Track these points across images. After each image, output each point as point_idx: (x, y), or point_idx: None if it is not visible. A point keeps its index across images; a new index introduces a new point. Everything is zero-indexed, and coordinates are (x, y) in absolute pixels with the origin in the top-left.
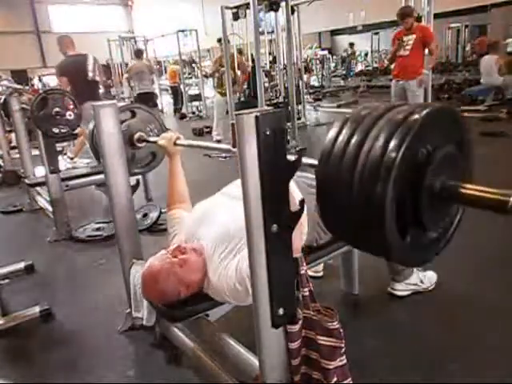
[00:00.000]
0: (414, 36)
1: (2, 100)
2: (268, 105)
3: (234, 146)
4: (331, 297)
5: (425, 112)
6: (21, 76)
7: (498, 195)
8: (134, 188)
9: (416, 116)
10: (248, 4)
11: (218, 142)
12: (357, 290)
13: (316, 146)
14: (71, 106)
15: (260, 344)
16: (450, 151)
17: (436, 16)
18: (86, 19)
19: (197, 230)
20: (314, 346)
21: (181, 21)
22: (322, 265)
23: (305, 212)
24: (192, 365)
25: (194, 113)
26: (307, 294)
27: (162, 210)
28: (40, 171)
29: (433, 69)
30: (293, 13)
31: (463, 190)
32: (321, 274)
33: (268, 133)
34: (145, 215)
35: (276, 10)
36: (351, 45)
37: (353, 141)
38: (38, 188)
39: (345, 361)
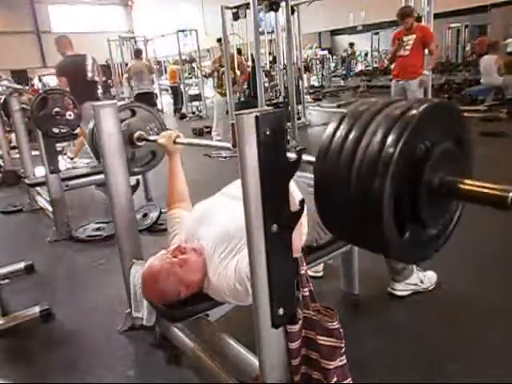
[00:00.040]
0: (414, 36)
1: (2, 100)
2: (268, 105)
3: (234, 146)
4: (331, 297)
5: (423, 107)
6: (21, 76)
7: (498, 191)
8: (134, 188)
9: (414, 111)
10: (248, 4)
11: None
12: (357, 289)
13: (316, 146)
14: (71, 106)
15: (260, 344)
16: (448, 147)
17: (436, 16)
18: (86, 19)
19: (197, 230)
20: (314, 345)
21: (181, 21)
22: (322, 265)
23: (305, 212)
24: (192, 365)
25: (194, 113)
26: (307, 294)
27: (162, 210)
28: (40, 171)
29: (433, 69)
30: (293, 13)
31: (462, 186)
32: (321, 274)
33: (268, 133)
34: (145, 215)
35: (276, 10)
36: (351, 45)
37: (350, 136)
38: (38, 188)
39: (345, 361)
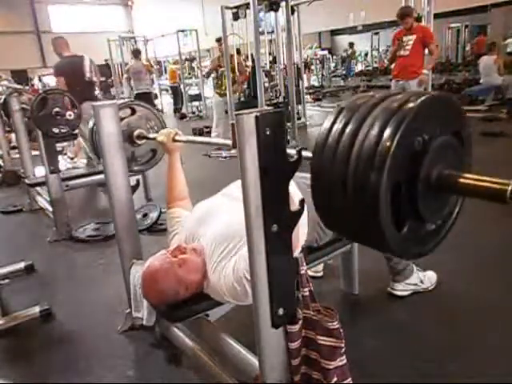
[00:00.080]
0: (413, 36)
1: (2, 100)
2: (268, 105)
3: (234, 146)
4: (331, 297)
5: (420, 100)
6: (21, 76)
7: (496, 184)
8: (134, 188)
9: (411, 104)
10: (248, 4)
11: None
12: (357, 290)
13: None
14: (71, 106)
15: (260, 344)
16: (447, 140)
17: (436, 16)
18: (86, 19)
19: (197, 230)
20: (314, 345)
21: (181, 21)
22: (322, 265)
23: (305, 212)
24: (192, 365)
25: (193, 113)
26: (307, 293)
27: (162, 210)
28: (40, 171)
29: (433, 69)
30: (293, 13)
31: (461, 180)
32: (321, 274)
33: (268, 133)
34: (145, 215)
35: (276, 10)
36: (351, 45)
37: (347, 130)
38: (38, 188)
39: (345, 361)
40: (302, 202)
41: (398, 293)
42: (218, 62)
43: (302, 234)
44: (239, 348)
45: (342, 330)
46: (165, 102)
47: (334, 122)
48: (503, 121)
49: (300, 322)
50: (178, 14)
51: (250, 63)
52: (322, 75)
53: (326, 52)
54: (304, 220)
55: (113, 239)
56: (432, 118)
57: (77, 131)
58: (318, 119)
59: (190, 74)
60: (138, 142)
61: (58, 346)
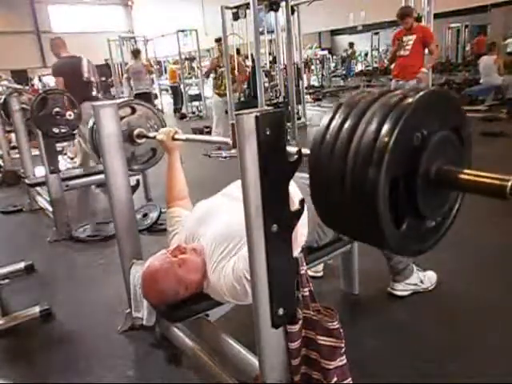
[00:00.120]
0: (413, 36)
1: (2, 100)
2: (268, 105)
3: (234, 146)
4: (331, 297)
5: (419, 95)
6: (21, 76)
7: (496, 180)
8: (134, 188)
9: (410, 99)
10: (248, 4)
11: None
12: (357, 289)
13: None
14: (71, 106)
15: (260, 344)
16: (446, 136)
17: (436, 16)
18: (86, 19)
19: (197, 230)
20: (314, 345)
21: (181, 21)
22: (322, 265)
23: (305, 212)
24: (192, 365)
25: (194, 113)
26: (307, 293)
27: (162, 210)
28: (40, 171)
29: (433, 68)
30: (293, 13)
31: (460, 175)
32: (321, 274)
33: (268, 133)
34: (145, 215)
35: (276, 10)
36: (351, 45)
37: (346, 125)
38: (38, 188)
39: (345, 361)
40: (302, 202)
41: (398, 293)
42: (216, 62)
43: (302, 234)
44: (239, 348)
45: (341, 330)
46: (165, 101)
47: (332, 118)
48: (503, 121)
49: (300, 321)
50: (178, 14)
51: (249, 63)
52: (322, 75)
53: (325, 52)
54: (304, 220)
55: (113, 239)
56: (431, 113)
57: (76, 131)
58: (318, 119)
59: (189, 73)
60: (138, 140)
61: (58, 346)
